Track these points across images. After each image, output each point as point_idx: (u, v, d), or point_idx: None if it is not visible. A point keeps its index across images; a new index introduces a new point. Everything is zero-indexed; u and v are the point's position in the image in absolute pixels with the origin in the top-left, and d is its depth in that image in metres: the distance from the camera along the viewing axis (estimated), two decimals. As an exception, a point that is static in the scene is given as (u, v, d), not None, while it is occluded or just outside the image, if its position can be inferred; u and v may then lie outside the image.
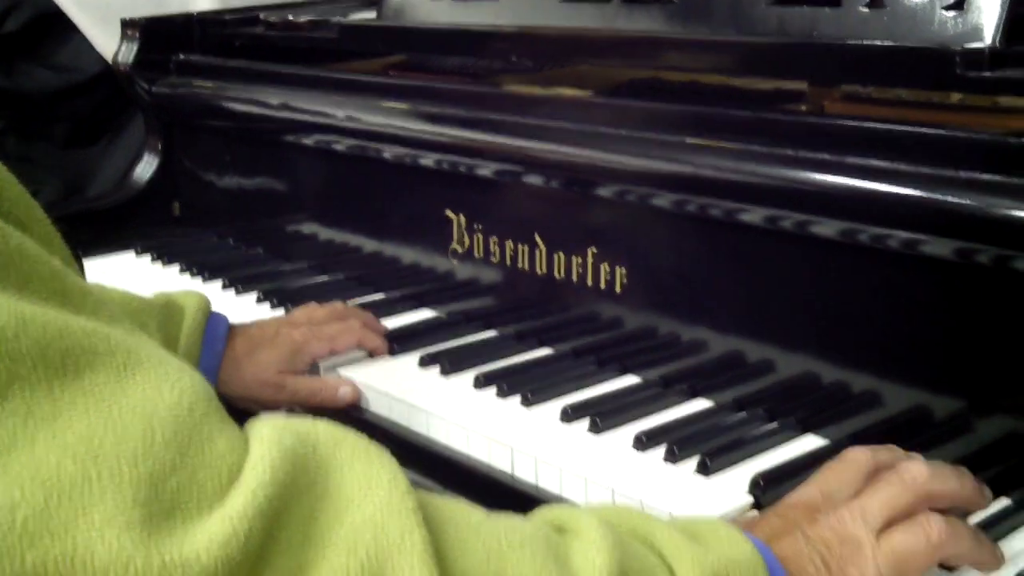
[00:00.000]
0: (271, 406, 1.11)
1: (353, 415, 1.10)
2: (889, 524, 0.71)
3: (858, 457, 0.77)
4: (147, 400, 0.50)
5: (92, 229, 1.62)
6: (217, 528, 0.47)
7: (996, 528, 0.81)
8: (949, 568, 0.75)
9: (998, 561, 0.75)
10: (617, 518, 0.66)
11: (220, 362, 1.09)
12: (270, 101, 1.47)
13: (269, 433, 0.53)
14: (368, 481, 0.54)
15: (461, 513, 0.59)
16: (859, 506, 0.72)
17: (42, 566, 0.44)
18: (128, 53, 1.67)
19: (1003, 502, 0.85)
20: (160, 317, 1.07)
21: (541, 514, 0.66)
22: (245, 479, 0.50)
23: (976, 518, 0.82)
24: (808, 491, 0.74)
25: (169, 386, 0.51)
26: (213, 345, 1.10)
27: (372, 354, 1.18)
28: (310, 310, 1.22)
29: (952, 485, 0.76)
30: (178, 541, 0.46)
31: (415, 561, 0.52)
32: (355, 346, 1.17)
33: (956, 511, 0.76)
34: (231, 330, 1.13)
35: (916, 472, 0.74)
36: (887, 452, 0.80)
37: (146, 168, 1.71)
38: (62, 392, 0.48)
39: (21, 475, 0.45)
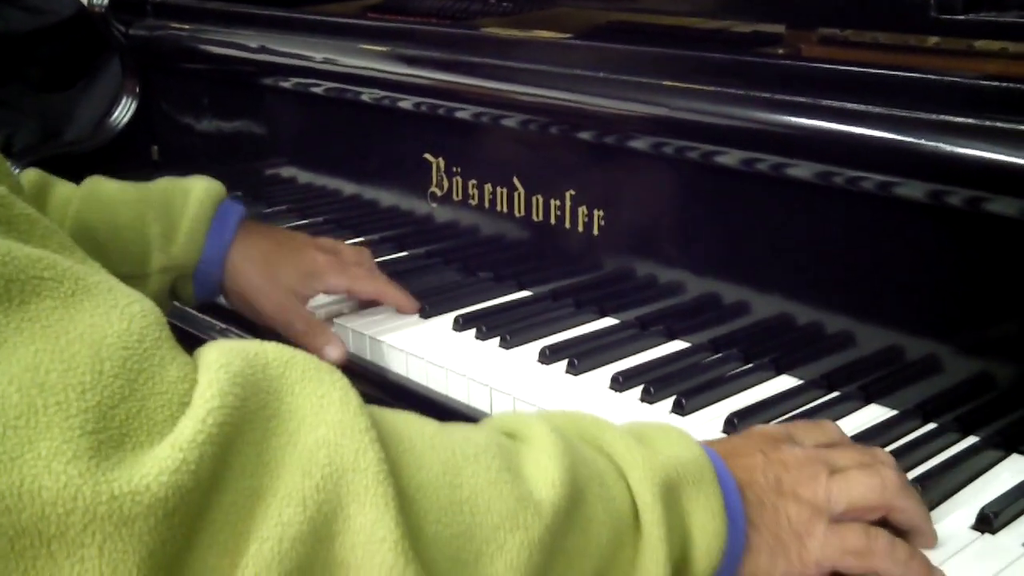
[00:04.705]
0: (263, 319, 1.09)
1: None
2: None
3: (829, 425, 0.78)
4: (95, 328, 0.49)
5: (70, 173, 1.60)
6: (166, 456, 0.47)
7: (963, 465, 0.83)
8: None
9: (934, 538, 0.74)
10: (566, 423, 0.67)
11: (227, 253, 1.06)
12: (248, 43, 1.46)
13: (217, 358, 0.52)
14: (320, 401, 0.54)
15: (415, 427, 0.59)
16: (824, 452, 0.72)
17: None
18: (103, -6, 1.66)
19: (971, 440, 0.87)
20: (160, 204, 1.04)
21: (492, 422, 0.67)
22: (194, 406, 0.49)
23: (943, 456, 0.84)
24: (776, 427, 0.75)
25: (118, 313, 0.50)
26: (221, 234, 1.06)
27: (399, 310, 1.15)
28: (337, 243, 1.18)
29: (912, 492, 0.73)
30: (127, 471, 0.46)
31: (369, 480, 0.52)
32: (375, 296, 1.14)
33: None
34: (253, 226, 1.09)
35: (884, 455, 0.75)
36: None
37: (124, 112, 1.69)
38: (7, 320, 0.47)
39: None
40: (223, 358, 0.52)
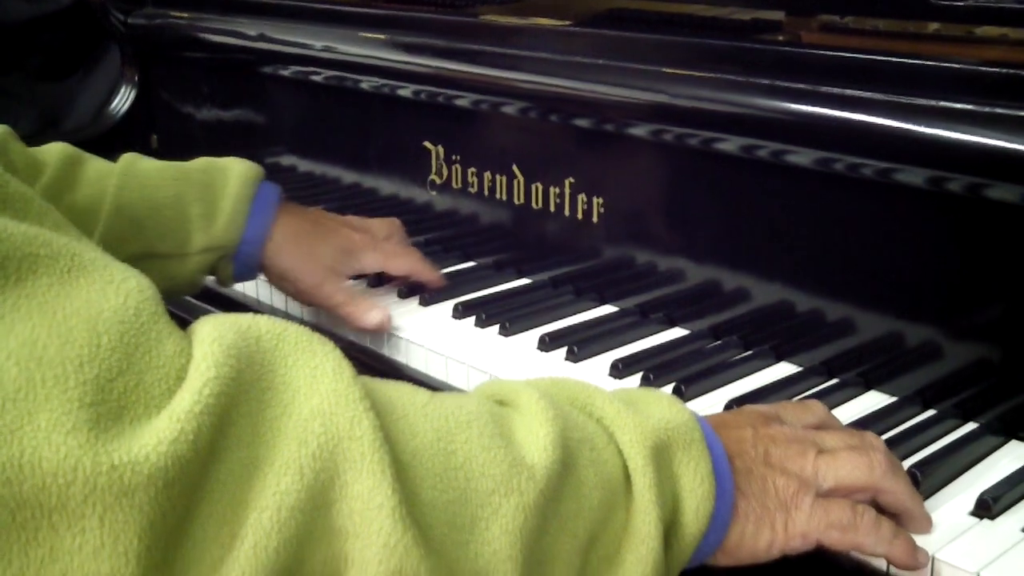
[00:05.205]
0: (302, 296, 1.10)
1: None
2: None
3: (817, 406, 0.78)
4: (92, 304, 0.49)
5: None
6: (165, 427, 0.47)
7: (962, 451, 0.83)
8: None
9: (928, 521, 0.74)
10: (556, 389, 0.67)
11: (268, 232, 1.07)
12: (248, 32, 1.46)
13: (210, 331, 0.53)
14: (313, 371, 0.54)
15: (407, 396, 0.60)
16: (814, 432, 0.73)
17: None
18: (102, -18, 1.65)
19: (970, 426, 0.87)
20: (200, 185, 1.05)
21: (482, 390, 0.67)
22: (190, 378, 0.50)
23: (943, 442, 0.84)
24: (766, 407, 0.76)
25: (114, 289, 0.50)
26: (262, 216, 1.06)
27: (425, 287, 1.16)
28: (366, 219, 1.18)
29: (902, 475, 0.74)
30: (126, 442, 0.46)
31: (365, 448, 0.52)
32: (408, 272, 1.15)
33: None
34: (291, 207, 1.10)
35: (873, 438, 0.75)
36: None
37: (123, 101, 1.69)
38: (4, 297, 0.47)
39: None
40: (216, 331, 0.53)
